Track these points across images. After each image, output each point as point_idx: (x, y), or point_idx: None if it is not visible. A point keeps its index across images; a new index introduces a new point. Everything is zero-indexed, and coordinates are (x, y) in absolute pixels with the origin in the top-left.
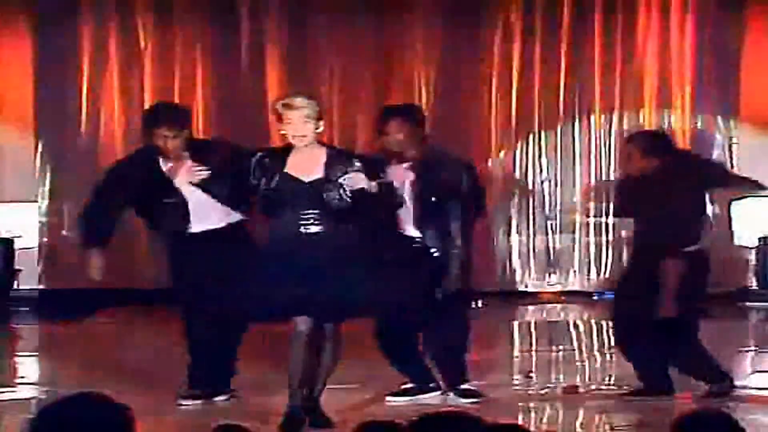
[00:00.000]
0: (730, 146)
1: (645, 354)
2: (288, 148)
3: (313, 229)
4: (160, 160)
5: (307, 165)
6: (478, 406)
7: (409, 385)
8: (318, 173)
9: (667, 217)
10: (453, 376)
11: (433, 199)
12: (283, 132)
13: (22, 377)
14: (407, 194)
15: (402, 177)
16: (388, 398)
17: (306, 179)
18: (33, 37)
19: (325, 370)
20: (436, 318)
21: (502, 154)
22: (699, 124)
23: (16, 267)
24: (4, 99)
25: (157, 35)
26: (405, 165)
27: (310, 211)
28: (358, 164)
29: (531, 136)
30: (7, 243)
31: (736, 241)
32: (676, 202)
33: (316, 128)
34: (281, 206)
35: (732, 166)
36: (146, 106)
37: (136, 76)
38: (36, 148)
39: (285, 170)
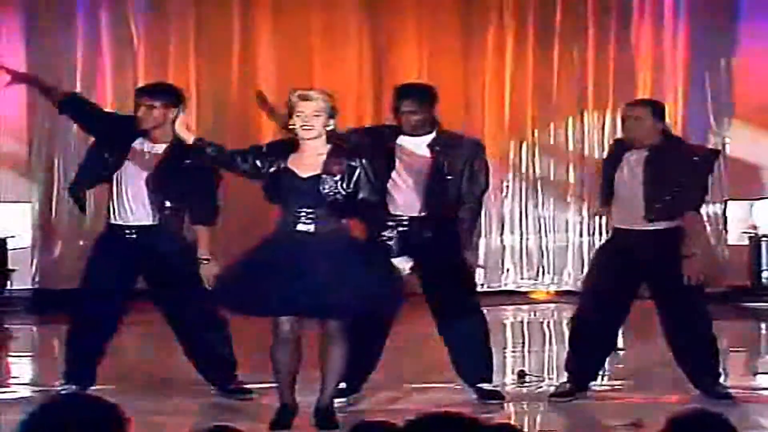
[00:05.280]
0: (723, 146)
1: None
2: (293, 143)
3: (308, 227)
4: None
5: (308, 161)
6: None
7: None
8: (316, 169)
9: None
10: (473, 374)
11: (448, 177)
12: (291, 125)
13: (16, 377)
14: (423, 171)
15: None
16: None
17: (303, 175)
18: (25, 37)
19: (332, 371)
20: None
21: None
22: (692, 123)
23: (10, 267)
24: None
25: (149, 31)
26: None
27: (305, 209)
28: (357, 161)
29: (524, 135)
30: (1, 243)
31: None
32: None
33: (326, 125)
34: (277, 201)
35: (726, 166)
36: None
37: (128, 76)
38: (29, 147)
39: (286, 165)
